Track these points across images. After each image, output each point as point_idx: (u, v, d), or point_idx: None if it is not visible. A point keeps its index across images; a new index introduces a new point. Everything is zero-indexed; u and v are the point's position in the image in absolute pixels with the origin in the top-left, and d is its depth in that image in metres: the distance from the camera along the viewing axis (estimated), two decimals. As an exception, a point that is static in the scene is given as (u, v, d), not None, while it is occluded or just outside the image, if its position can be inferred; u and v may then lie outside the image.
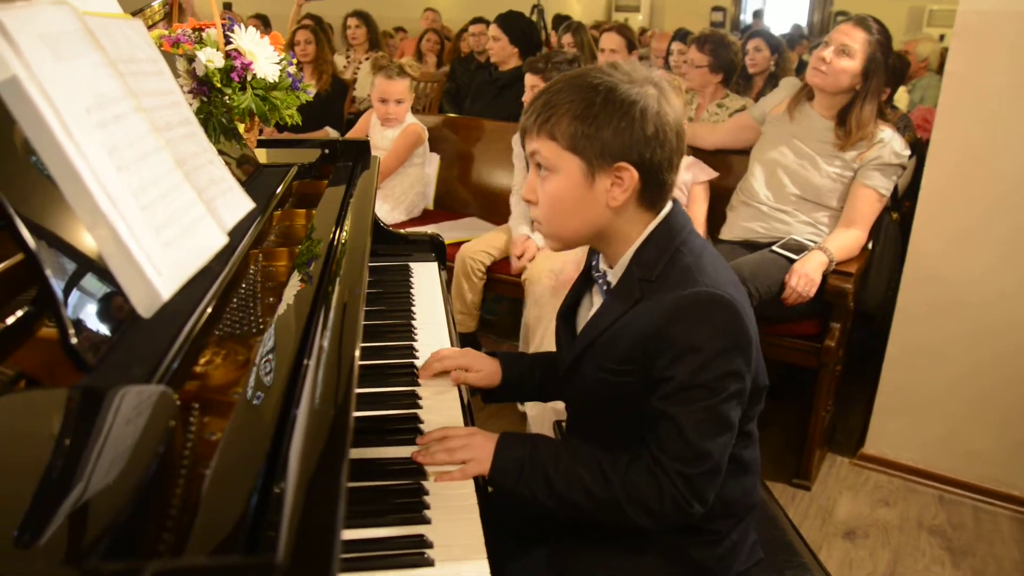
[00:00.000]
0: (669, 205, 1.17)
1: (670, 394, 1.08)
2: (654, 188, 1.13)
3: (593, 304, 1.26)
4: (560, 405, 2.50)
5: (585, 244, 1.22)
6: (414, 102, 3.70)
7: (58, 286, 0.72)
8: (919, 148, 3.15)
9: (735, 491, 1.19)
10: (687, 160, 2.84)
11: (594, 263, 1.25)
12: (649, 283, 1.13)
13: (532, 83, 3.00)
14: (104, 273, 0.79)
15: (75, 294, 0.74)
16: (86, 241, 0.79)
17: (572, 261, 2.76)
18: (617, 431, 1.19)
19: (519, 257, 3.01)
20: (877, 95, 2.54)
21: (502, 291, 3.20)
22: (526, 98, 3.02)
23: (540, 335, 2.70)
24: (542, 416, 2.54)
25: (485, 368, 1.39)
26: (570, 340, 1.27)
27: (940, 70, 4.13)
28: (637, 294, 1.13)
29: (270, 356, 0.87)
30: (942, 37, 5.67)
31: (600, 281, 1.23)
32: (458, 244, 3.17)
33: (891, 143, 2.53)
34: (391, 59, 3.63)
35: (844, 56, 2.52)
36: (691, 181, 2.90)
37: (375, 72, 3.56)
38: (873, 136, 2.53)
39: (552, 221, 1.17)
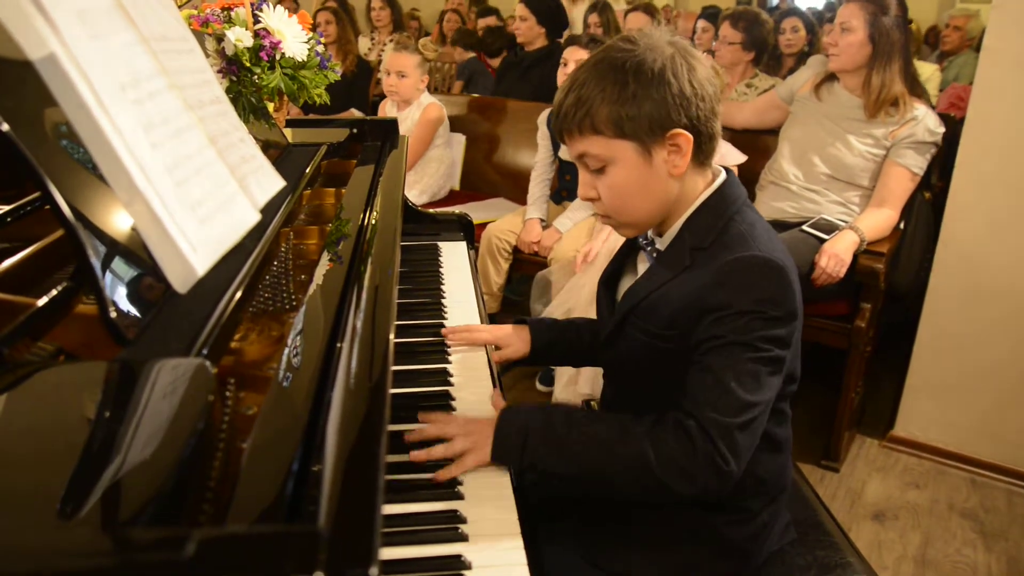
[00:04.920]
0: (724, 175, 1.16)
1: (710, 349, 1.05)
2: (706, 142, 1.12)
3: (637, 271, 1.24)
4: (586, 389, 2.51)
5: (659, 221, 1.18)
6: (434, 82, 3.64)
7: (96, 262, 0.73)
8: (951, 126, 3.08)
9: (769, 468, 1.18)
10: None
11: None
12: (701, 251, 1.11)
13: (576, 57, 2.85)
14: (141, 249, 0.80)
15: (113, 270, 0.75)
16: (123, 218, 0.79)
17: (603, 250, 2.74)
18: (656, 403, 1.16)
19: (535, 244, 3.02)
20: (897, 57, 2.51)
21: (528, 271, 3.19)
22: (563, 72, 2.93)
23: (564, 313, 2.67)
24: (571, 398, 2.54)
25: (515, 342, 1.42)
26: (611, 306, 1.26)
27: (978, 48, 4.03)
28: (687, 261, 1.11)
29: (304, 335, 0.88)
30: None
31: (648, 248, 1.21)
32: (484, 224, 3.17)
33: (924, 120, 2.48)
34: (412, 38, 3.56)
35: (846, 33, 2.55)
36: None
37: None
38: (905, 110, 2.49)
39: (621, 211, 1.14)
